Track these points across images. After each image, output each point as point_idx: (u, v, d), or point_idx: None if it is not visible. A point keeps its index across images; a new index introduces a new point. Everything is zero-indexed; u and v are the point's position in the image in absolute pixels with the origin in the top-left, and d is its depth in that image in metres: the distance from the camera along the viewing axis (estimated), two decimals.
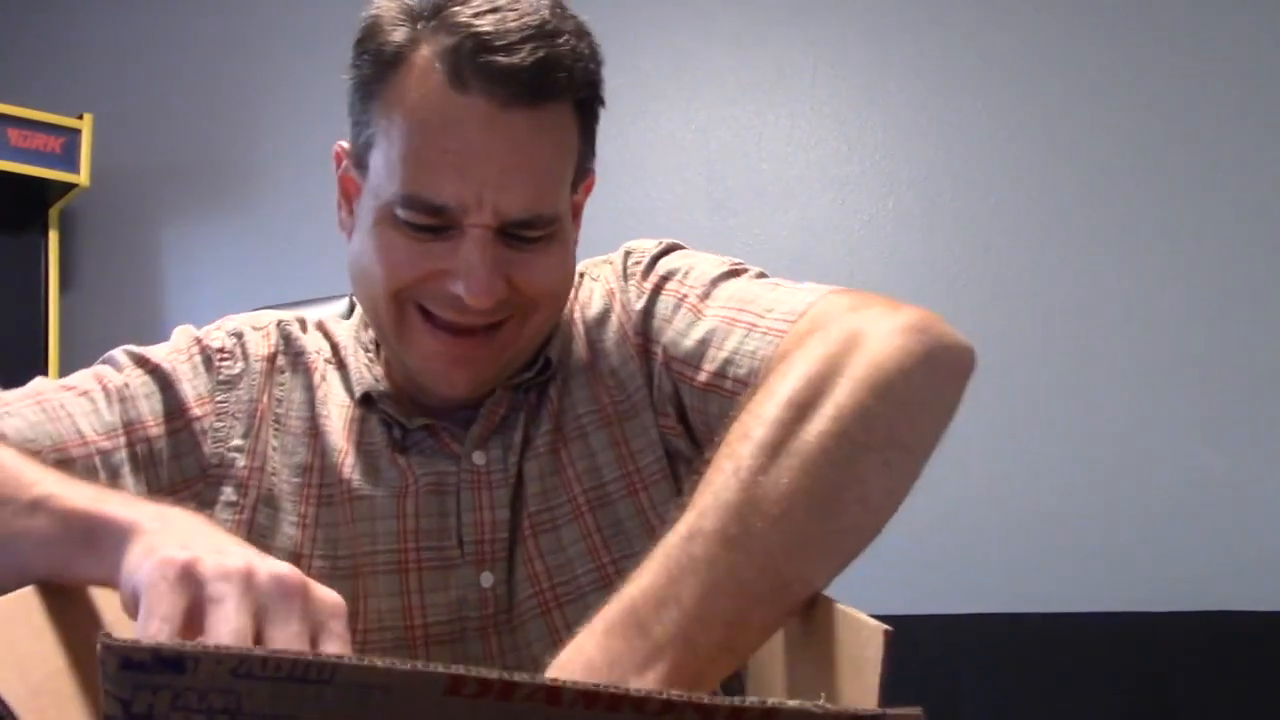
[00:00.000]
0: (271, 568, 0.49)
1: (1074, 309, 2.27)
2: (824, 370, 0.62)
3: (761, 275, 0.83)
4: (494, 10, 0.71)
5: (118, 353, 0.83)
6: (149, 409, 0.79)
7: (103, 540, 0.55)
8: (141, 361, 0.82)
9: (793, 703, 0.37)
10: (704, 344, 0.77)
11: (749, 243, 2.42)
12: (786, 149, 2.44)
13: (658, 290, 0.83)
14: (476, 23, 0.70)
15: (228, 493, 0.79)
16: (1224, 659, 2.02)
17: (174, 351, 0.84)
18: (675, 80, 2.48)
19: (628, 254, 0.88)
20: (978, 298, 2.31)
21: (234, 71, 2.79)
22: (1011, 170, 2.33)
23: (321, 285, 1.30)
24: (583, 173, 0.81)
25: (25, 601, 0.53)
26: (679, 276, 0.83)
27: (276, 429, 0.82)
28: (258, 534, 0.77)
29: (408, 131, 0.72)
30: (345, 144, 0.82)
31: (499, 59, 0.70)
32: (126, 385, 0.80)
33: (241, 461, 0.80)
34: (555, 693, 0.36)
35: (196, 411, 0.81)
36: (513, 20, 0.71)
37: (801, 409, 0.60)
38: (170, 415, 0.80)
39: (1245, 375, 2.18)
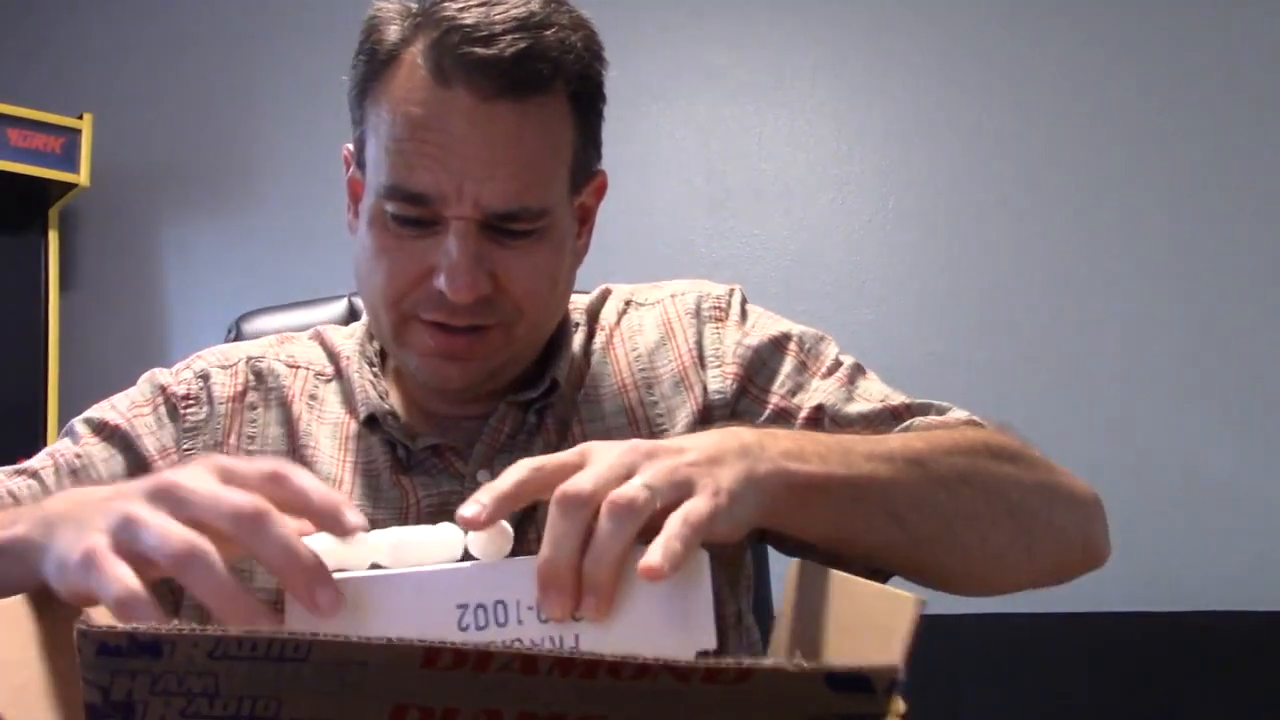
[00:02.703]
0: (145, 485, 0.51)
1: (1074, 309, 2.27)
2: (1032, 453, 0.76)
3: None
4: (482, 4, 0.71)
5: (76, 423, 0.84)
6: (107, 472, 0.80)
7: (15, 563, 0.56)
8: (99, 428, 0.83)
9: (767, 662, 0.37)
10: (868, 418, 0.84)
11: (749, 243, 2.42)
12: (786, 149, 2.44)
13: (779, 347, 0.86)
14: (461, 16, 0.71)
15: None
16: (1224, 659, 2.02)
17: (135, 406, 0.85)
18: (675, 80, 2.48)
19: (701, 296, 0.89)
20: (977, 298, 2.31)
21: (234, 71, 2.79)
22: (1011, 170, 2.33)
23: (321, 285, 1.29)
24: (584, 171, 0.80)
25: (12, 609, 0.53)
26: (803, 343, 0.88)
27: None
28: (236, 571, 0.76)
29: (392, 124, 0.73)
30: (351, 146, 0.83)
31: (479, 50, 0.70)
32: (79, 455, 0.81)
33: None
34: (531, 661, 0.36)
35: (161, 465, 0.81)
36: (498, 13, 0.70)
37: (1008, 451, 0.73)
38: (132, 473, 0.80)
39: (1245, 375, 2.18)
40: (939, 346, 2.30)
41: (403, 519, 0.78)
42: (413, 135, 0.72)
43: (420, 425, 0.83)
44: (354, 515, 0.51)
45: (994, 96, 2.35)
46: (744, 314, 0.89)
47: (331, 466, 0.81)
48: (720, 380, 0.84)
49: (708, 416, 0.83)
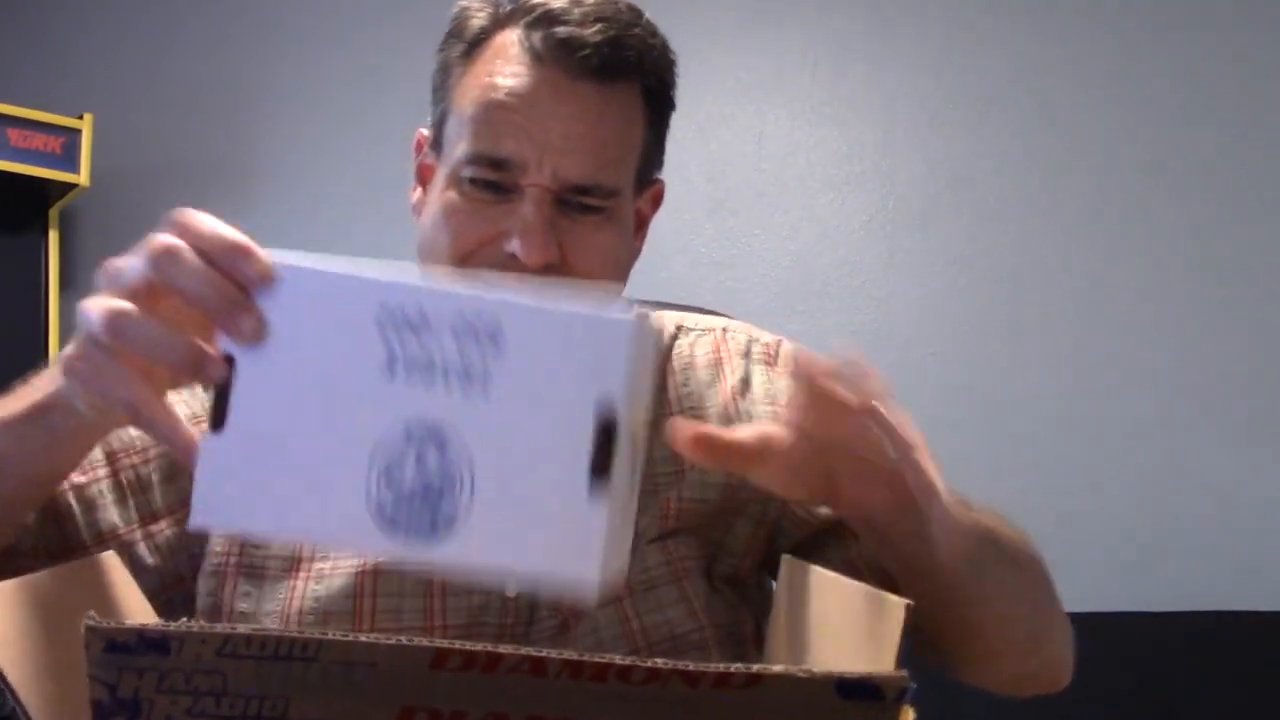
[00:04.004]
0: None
1: (1074, 309, 2.27)
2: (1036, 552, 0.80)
3: None
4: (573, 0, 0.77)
5: None
6: (138, 433, 0.79)
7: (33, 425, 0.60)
8: None
9: (776, 668, 0.38)
10: None
11: (749, 243, 2.42)
12: (786, 149, 2.44)
13: None
14: (552, 3, 0.77)
15: None
16: (1224, 659, 2.02)
17: None
18: (675, 80, 2.47)
19: (751, 339, 0.91)
20: (977, 298, 2.31)
21: (234, 71, 2.79)
22: (1012, 170, 2.33)
23: None
24: (649, 170, 0.85)
25: (38, 586, 0.53)
26: None
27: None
28: (251, 543, 0.76)
29: (480, 96, 0.77)
30: (426, 130, 0.86)
31: (572, 31, 0.75)
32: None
33: None
34: (540, 664, 0.36)
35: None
36: (589, 4, 0.77)
37: (1035, 552, 0.80)
38: None
39: (1245, 375, 2.18)
40: (939, 347, 2.30)
41: None
42: (501, 105, 0.76)
43: None
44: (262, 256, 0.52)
45: (995, 96, 2.35)
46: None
47: None
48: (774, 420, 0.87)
49: None
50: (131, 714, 0.35)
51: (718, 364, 0.89)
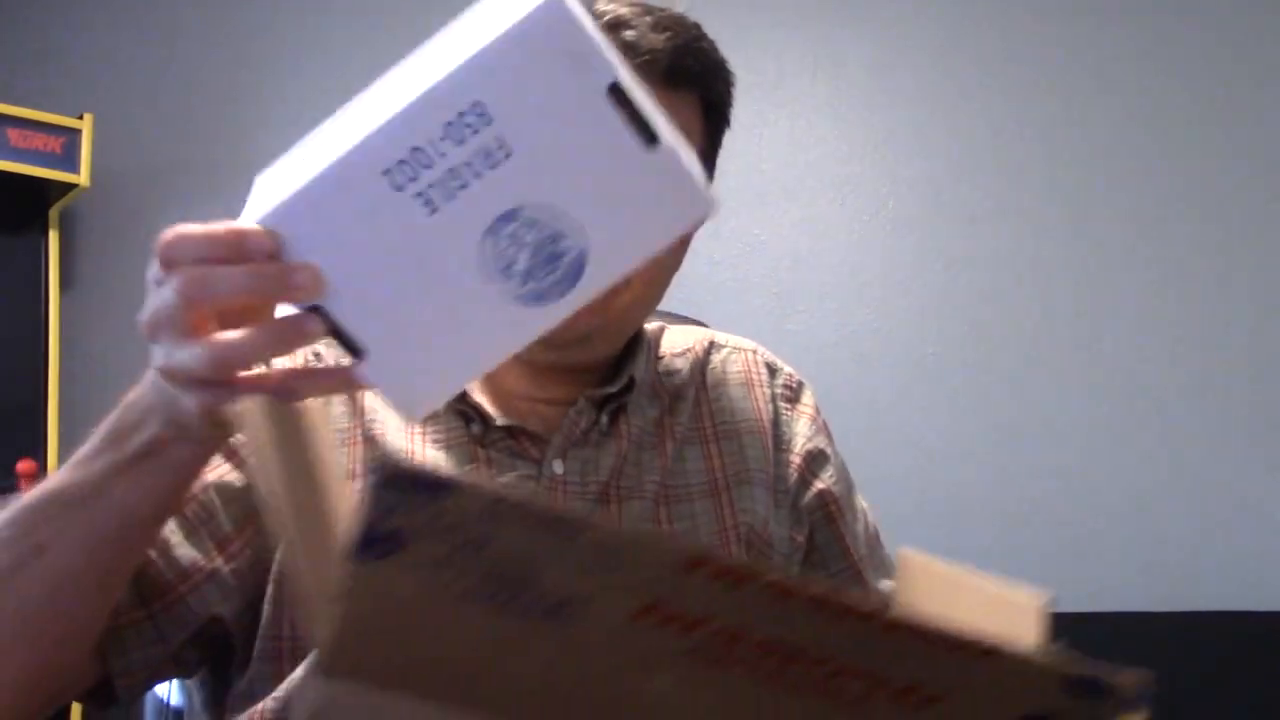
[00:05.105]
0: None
1: (1074, 309, 2.27)
2: None
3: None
4: (643, 10, 0.79)
5: None
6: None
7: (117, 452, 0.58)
8: None
9: (1014, 647, 0.37)
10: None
11: (749, 243, 2.42)
12: (786, 149, 2.44)
13: (841, 483, 0.93)
14: (621, 11, 0.78)
15: None
16: (1224, 659, 2.02)
17: None
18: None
19: (774, 368, 0.94)
20: (977, 298, 2.31)
21: (234, 71, 2.79)
22: (1012, 170, 2.33)
23: None
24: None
25: (280, 406, 0.56)
26: (851, 490, 0.94)
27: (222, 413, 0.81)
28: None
29: None
30: None
31: (639, 35, 0.76)
32: None
33: None
34: (787, 589, 0.36)
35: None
36: (658, 14, 0.78)
37: None
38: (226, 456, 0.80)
39: (1245, 375, 2.18)
40: (938, 347, 2.30)
41: None
42: None
43: (497, 408, 0.84)
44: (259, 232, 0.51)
45: (994, 97, 2.35)
46: (816, 412, 0.95)
47: (401, 440, 0.81)
48: (787, 467, 0.91)
49: (796, 496, 0.90)
50: (392, 547, 0.35)
51: (749, 384, 0.92)
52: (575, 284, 0.53)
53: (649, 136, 0.50)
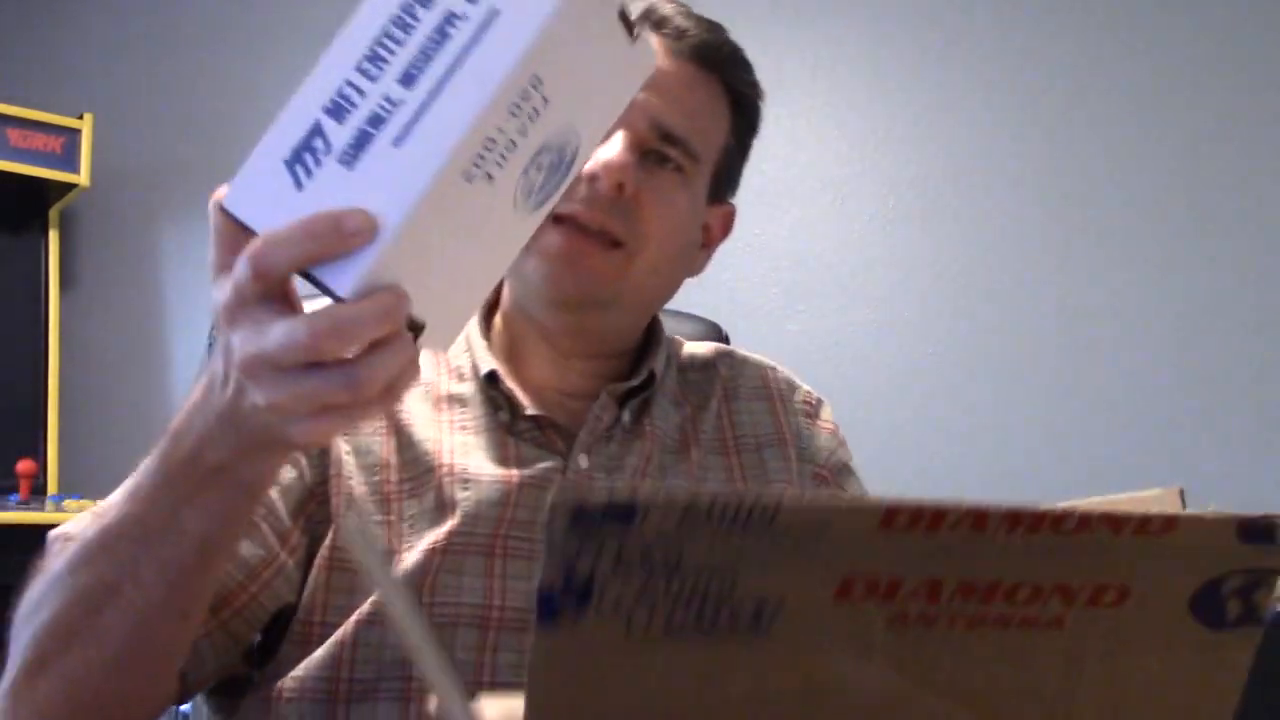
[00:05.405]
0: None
1: (1073, 309, 2.27)
2: None
3: None
4: (680, 8, 0.85)
5: None
6: None
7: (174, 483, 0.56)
8: None
9: (1189, 511, 0.39)
10: None
11: (749, 243, 2.42)
12: (786, 149, 2.44)
13: (855, 491, 0.94)
14: (659, 4, 0.83)
15: (330, 504, 0.78)
16: None
17: None
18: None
19: (793, 384, 0.96)
20: (977, 298, 2.31)
21: (234, 71, 2.79)
22: (1012, 170, 2.33)
23: None
24: (725, 184, 0.90)
25: None
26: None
27: (345, 433, 0.81)
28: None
29: None
30: None
31: (673, 17, 0.83)
32: None
33: (330, 471, 0.79)
34: (982, 517, 0.36)
35: None
36: (693, 13, 0.85)
37: None
38: None
39: (1245, 375, 2.18)
40: (939, 347, 2.30)
41: (504, 484, 0.78)
42: None
43: (527, 397, 0.84)
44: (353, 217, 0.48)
45: (995, 96, 2.35)
46: (836, 428, 0.96)
47: (430, 429, 0.81)
48: (812, 478, 0.91)
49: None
50: (580, 602, 0.34)
51: (770, 398, 0.93)
52: (569, 174, 0.55)
53: (630, 30, 0.53)
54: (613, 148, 0.78)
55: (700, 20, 0.85)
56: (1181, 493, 0.53)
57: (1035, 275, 2.29)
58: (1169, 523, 0.38)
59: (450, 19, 0.48)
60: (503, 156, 0.50)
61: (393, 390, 0.51)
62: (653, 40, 0.81)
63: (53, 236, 2.68)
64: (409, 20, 0.49)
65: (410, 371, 0.51)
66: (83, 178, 2.60)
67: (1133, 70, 2.29)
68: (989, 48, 2.37)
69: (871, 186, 2.40)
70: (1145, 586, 0.40)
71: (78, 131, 2.60)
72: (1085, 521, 0.37)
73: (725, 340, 1.21)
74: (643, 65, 0.57)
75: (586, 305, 0.81)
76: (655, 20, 0.82)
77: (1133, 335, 2.23)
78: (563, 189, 0.55)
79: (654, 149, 0.80)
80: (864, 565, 0.36)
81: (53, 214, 2.69)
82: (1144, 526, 0.38)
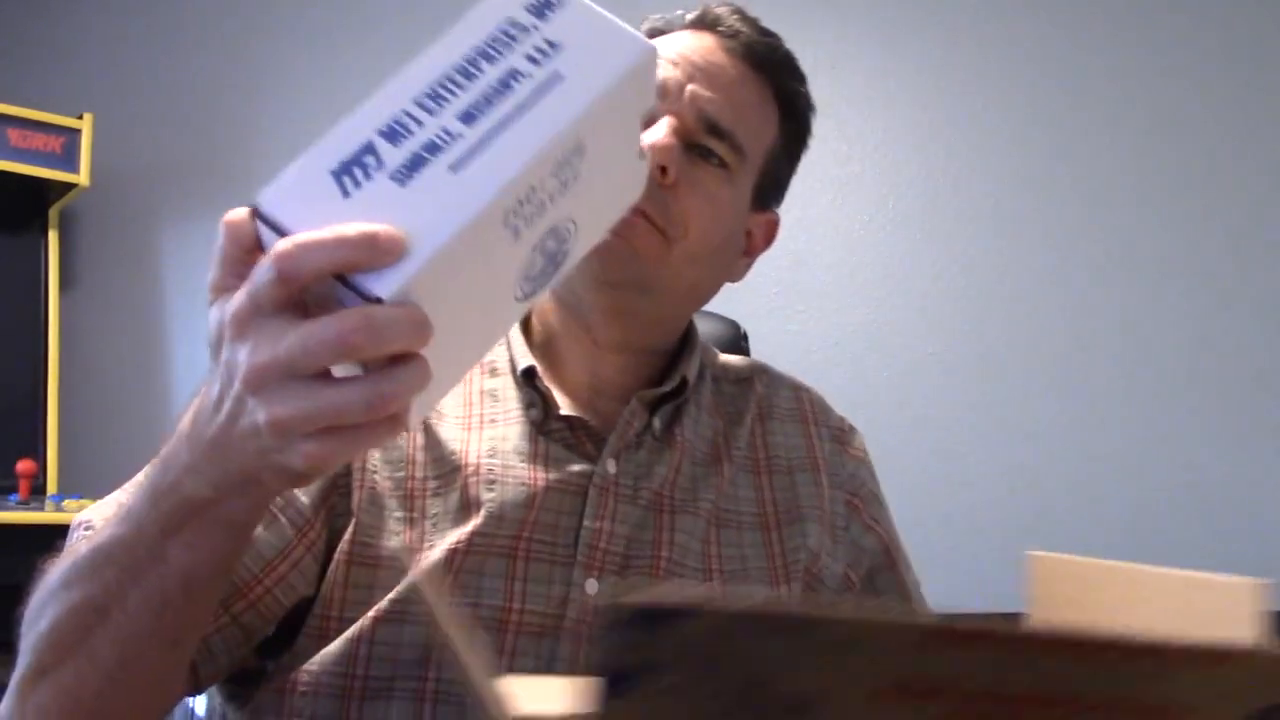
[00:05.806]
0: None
1: (1073, 309, 2.27)
2: None
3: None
4: (735, 11, 0.86)
5: None
6: None
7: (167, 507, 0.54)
8: None
9: (1245, 646, 0.38)
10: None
11: None
12: None
13: (894, 530, 0.96)
14: (716, 7, 0.85)
15: (352, 498, 0.77)
16: None
17: None
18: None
19: (826, 408, 0.97)
20: (977, 298, 2.31)
21: (234, 71, 2.79)
22: (1012, 170, 2.33)
23: None
24: (771, 189, 0.89)
25: None
26: (897, 540, 0.97)
27: (338, 468, 0.79)
28: (363, 534, 0.75)
29: None
30: None
31: (725, 17, 0.84)
32: None
33: (354, 463, 0.78)
34: (1026, 641, 0.36)
35: None
36: (747, 15, 0.86)
37: None
38: None
39: (1245, 375, 2.18)
40: (938, 347, 2.30)
41: (530, 486, 0.78)
42: (661, 50, 0.79)
43: (563, 395, 0.84)
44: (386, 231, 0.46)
45: (995, 96, 2.35)
46: (866, 455, 0.97)
47: (458, 426, 0.81)
48: (842, 504, 0.92)
49: (847, 527, 0.92)
50: (626, 686, 0.34)
51: (804, 421, 0.94)
52: (556, 273, 0.54)
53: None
54: (658, 131, 0.77)
55: (755, 24, 0.86)
56: (1265, 587, 0.51)
57: (1035, 275, 2.29)
58: (1222, 657, 0.37)
59: (514, 74, 0.50)
60: (533, 216, 0.49)
61: (398, 418, 0.47)
62: (710, 40, 0.84)
63: (53, 236, 2.68)
64: (472, 70, 0.50)
65: (420, 401, 0.48)
66: (82, 177, 2.60)
67: (1134, 70, 2.29)
68: (989, 48, 2.37)
69: (871, 186, 2.40)
70: (1199, 708, 0.39)
71: (78, 131, 2.60)
72: (1131, 652, 0.37)
73: (744, 339, 1.21)
74: (635, 186, 0.58)
75: (628, 285, 0.80)
76: (710, 20, 0.84)
77: (1133, 334, 2.23)
78: (547, 289, 0.54)
79: (699, 143, 0.80)
80: (908, 676, 0.36)
81: (53, 214, 2.69)
82: (1195, 661, 0.37)
